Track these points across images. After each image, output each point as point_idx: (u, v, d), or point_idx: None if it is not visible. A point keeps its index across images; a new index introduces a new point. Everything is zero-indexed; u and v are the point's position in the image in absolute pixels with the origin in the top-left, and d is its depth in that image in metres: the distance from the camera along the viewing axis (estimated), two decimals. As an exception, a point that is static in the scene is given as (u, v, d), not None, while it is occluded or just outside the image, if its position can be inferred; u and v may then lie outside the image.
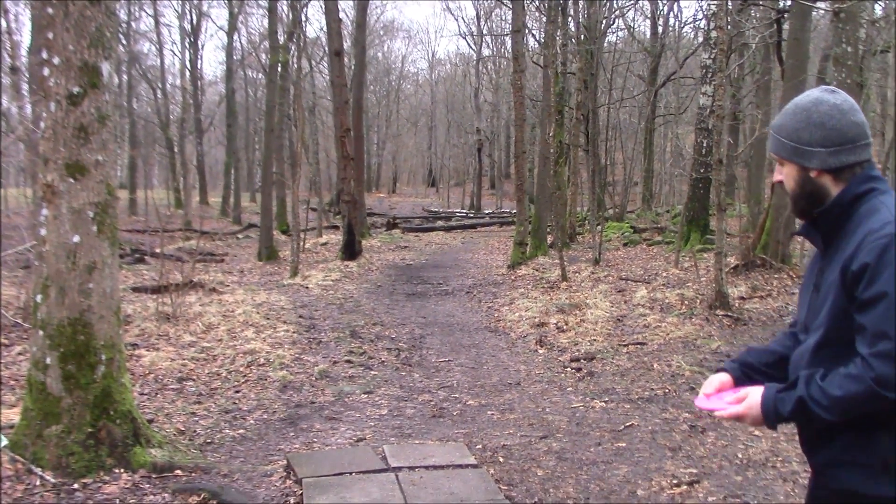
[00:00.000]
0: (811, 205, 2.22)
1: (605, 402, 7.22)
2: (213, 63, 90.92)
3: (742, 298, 12.46)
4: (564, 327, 10.96)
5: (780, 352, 2.42)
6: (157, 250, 21.10)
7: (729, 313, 11.25)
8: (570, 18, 23.15)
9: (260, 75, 37.55)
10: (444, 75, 55.58)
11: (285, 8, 26.08)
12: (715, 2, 18.07)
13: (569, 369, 8.64)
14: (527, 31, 27.54)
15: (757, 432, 6.03)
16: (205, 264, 19.43)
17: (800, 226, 2.31)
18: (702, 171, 18.93)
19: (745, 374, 2.41)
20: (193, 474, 5.26)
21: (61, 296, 5.19)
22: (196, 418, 6.80)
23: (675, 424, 6.39)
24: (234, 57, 34.74)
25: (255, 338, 10.00)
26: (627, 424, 6.41)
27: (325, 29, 21.45)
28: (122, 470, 5.18)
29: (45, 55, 5.27)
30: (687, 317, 11.37)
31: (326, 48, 22.88)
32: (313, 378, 8.21)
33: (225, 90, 34.28)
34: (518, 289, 14.68)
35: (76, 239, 5.19)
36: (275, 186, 24.83)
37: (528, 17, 28.67)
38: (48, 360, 5.19)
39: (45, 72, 5.24)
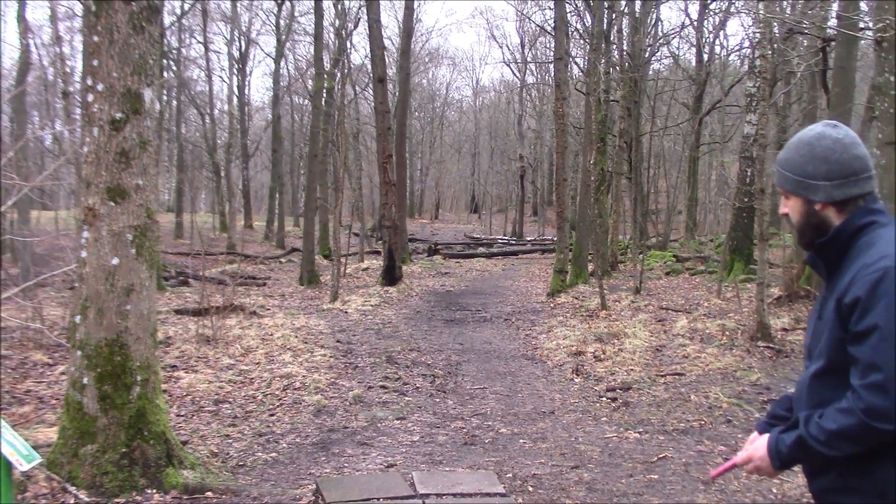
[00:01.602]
0: (816, 236, 2.27)
1: (640, 433, 7.14)
2: (260, 89, 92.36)
3: (785, 330, 12.28)
4: (602, 356, 10.87)
5: None
6: (201, 273, 21.45)
7: (771, 345, 11.09)
8: (613, 46, 23.15)
9: (305, 101, 38.02)
10: (488, 102, 55.83)
11: (332, 36, 26.48)
12: (760, 30, 18.02)
13: (604, 399, 8.56)
14: (570, 58, 27.58)
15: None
16: (246, 288, 19.65)
17: (808, 256, 2.35)
18: (745, 200, 18.72)
19: (771, 426, 2.40)
20: (224, 496, 5.29)
21: (99, 317, 5.29)
22: (230, 440, 6.85)
23: (709, 457, 6.30)
24: (281, 83, 35.26)
25: (293, 362, 10.07)
26: (661, 456, 6.34)
27: (369, 56, 21.63)
28: (154, 490, 5.23)
29: (89, 81, 5.41)
30: (727, 348, 11.23)
31: (371, 75, 22.99)
32: (347, 403, 8.24)
33: (271, 116, 34.75)
34: (557, 317, 14.62)
35: (115, 261, 5.29)
36: (318, 211, 25.09)
37: (571, 44, 28.76)
38: (85, 380, 5.28)
39: (90, 98, 5.38)
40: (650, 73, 30.02)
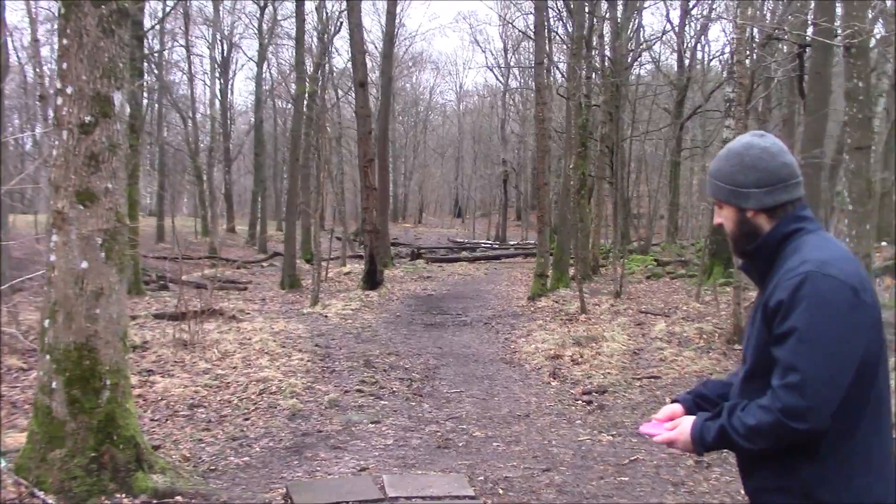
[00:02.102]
0: (748, 244, 2.34)
1: (613, 435, 7.18)
2: (243, 93, 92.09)
3: (762, 334, 12.36)
4: (580, 360, 10.91)
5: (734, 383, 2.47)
6: (182, 278, 21.36)
7: (746, 348, 11.16)
8: (595, 51, 23.23)
9: (289, 105, 37.91)
10: (472, 107, 55.91)
11: (314, 40, 26.46)
12: (737, 35, 18.12)
13: (580, 402, 8.60)
14: (553, 63, 27.69)
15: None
16: (227, 292, 19.57)
17: (741, 264, 2.42)
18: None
19: (696, 405, 2.51)
20: (194, 500, 5.29)
21: (68, 321, 5.27)
22: (203, 445, 6.83)
23: (681, 459, 6.33)
24: (264, 87, 35.22)
25: (269, 366, 10.05)
26: (632, 458, 6.37)
27: (351, 60, 21.62)
28: (123, 495, 5.21)
29: (59, 85, 5.40)
30: (704, 351, 11.30)
31: (352, 79, 22.99)
32: (323, 407, 8.23)
33: (254, 120, 34.72)
34: (537, 320, 14.64)
35: (84, 265, 5.27)
36: (300, 215, 25.06)
37: (555, 49, 28.87)
38: (54, 385, 5.26)
39: (59, 101, 5.37)
40: (632, 77, 30.16)
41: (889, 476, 2.18)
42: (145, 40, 30.24)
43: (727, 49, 26.53)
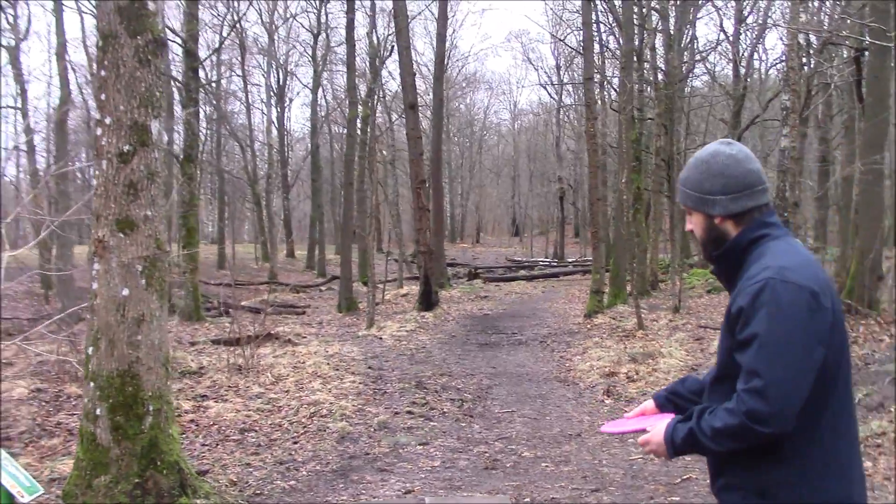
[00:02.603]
0: (717, 249, 2.40)
1: (666, 454, 6.98)
2: (300, 119, 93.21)
3: (825, 346, 12.00)
4: (635, 377, 10.70)
5: (706, 381, 2.52)
6: (241, 303, 21.64)
7: (810, 362, 10.84)
8: (646, 64, 23.00)
9: (344, 130, 38.36)
10: (527, 125, 55.83)
11: (367, 64, 26.74)
12: (788, 41, 17.73)
13: (633, 420, 8.40)
14: (607, 78, 27.50)
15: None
16: (284, 316, 19.73)
17: (712, 268, 2.47)
18: (784, 214, 18.38)
19: (670, 402, 2.59)
20: (236, 526, 5.28)
21: (111, 348, 5.33)
22: (251, 469, 6.84)
23: (735, 478, 6.13)
24: (319, 113, 35.65)
25: (322, 389, 10.07)
26: (685, 478, 6.20)
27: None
28: (167, 521, 5.24)
29: (98, 115, 5.50)
30: (765, 365, 11.01)
31: (402, 102, 23.14)
32: (372, 429, 8.19)
33: (310, 146, 35.17)
34: (593, 338, 14.45)
35: (125, 292, 5.33)
36: (357, 239, 25.23)
37: (607, 63, 28.67)
38: (98, 411, 5.32)
39: (99, 131, 5.46)
40: (687, 89, 29.75)
41: (854, 477, 2.26)
42: (201, 70, 31.00)
43: (784, 56, 26.07)
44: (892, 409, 7.58)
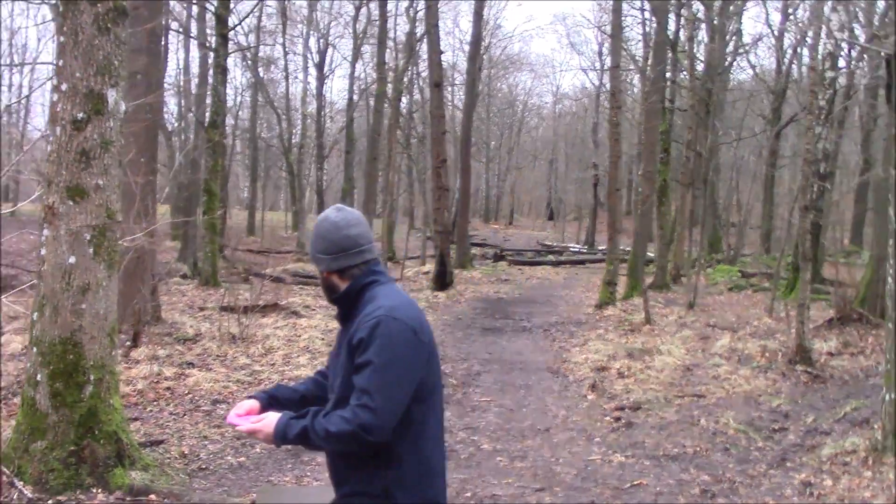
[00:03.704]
0: (332, 294, 2.82)
1: (627, 456, 6.86)
2: (341, 91, 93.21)
3: (830, 354, 11.72)
4: (626, 373, 10.54)
5: (301, 391, 3.00)
6: (264, 272, 21.74)
7: (809, 369, 10.59)
8: (683, 53, 22.54)
9: (386, 104, 38.27)
10: (567, 109, 55.17)
11: (402, 39, 26.55)
12: (831, 41, 17.24)
13: (608, 418, 8.28)
14: (640, 65, 27.00)
15: None
16: (303, 286, 19.76)
17: (336, 311, 2.85)
18: (812, 215, 17.96)
19: (270, 404, 2.88)
20: (167, 500, 5.28)
21: (55, 315, 5.34)
22: (206, 442, 6.85)
23: (687, 487, 6.00)
24: (357, 86, 35.60)
25: (307, 364, 10.07)
26: (635, 483, 6.07)
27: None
28: (99, 490, 5.25)
29: (55, 82, 5.47)
30: (763, 370, 10.77)
31: (428, 80, 22.96)
32: (342, 409, 8.15)
33: (346, 117, 35.11)
34: (598, 329, 14.26)
35: (72, 260, 5.33)
36: (382, 214, 25.18)
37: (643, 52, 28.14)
38: (39, 377, 5.34)
39: (55, 97, 5.44)
40: (727, 82, 29.14)
41: (443, 478, 2.77)
42: (241, 38, 31.03)
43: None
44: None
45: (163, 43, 27.03)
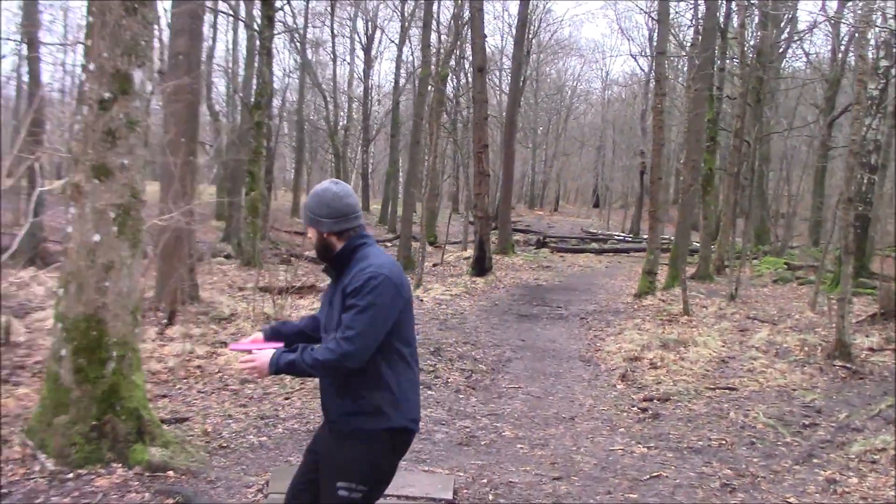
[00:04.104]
0: (327, 253, 3.35)
1: (649, 447, 6.79)
2: (388, 74, 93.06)
3: (871, 350, 11.49)
4: (659, 364, 10.43)
5: (301, 327, 3.58)
6: (305, 253, 21.91)
7: (848, 365, 10.38)
8: (733, 40, 22.10)
9: (430, 87, 38.17)
10: (616, 95, 54.51)
11: (450, 23, 26.38)
12: (886, 28, 16.77)
13: (636, 409, 8.20)
14: (688, 53, 26.53)
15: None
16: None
17: (323, 266, 3.40)
18: (860, 208, 17.55)
19: (274, 337, 3.51)
20: (183, 476, 5.34)
21: (79, 292, 5.42)
22: (230, 421, 6.92)
23: (707, 480, 5.91)
24: (404, 68, 35.59)
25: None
26: (654, 475, 6.00)
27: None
28: (119, 465, 5.33)
29: (83, 62, 5.54)
30: (800, 364, 10.59)
31: (471, 64, 22.80)
32: (368, 392, 8.18)
33: (392, 101, 35.13)
34: (634, 319, 14.12)
35: (96, 238, 5.40)
36: (428, 198, 25.17)
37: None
38: (63, 353, 5.42)
39: (84, 77, 5.51)
40: (785, 71, 28.56)
41: (417, 402, 3.36)
42: (289, 19, 31.14)
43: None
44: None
45: (212, 24, 27.23)
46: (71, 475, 5.15)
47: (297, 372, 3.24)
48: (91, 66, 5.42)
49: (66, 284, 5.47)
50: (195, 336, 9.94)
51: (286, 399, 7.81)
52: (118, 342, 5.51)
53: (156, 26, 18.96)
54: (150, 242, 10.45)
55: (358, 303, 3.09)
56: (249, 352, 3.30)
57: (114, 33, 5.39)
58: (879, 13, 16.49)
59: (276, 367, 3.20)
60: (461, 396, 8.45)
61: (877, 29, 16.43)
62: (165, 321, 10.31)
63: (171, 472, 5.36)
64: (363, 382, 3.18)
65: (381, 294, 3.12)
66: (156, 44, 18.95)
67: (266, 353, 3.23)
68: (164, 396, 7.67)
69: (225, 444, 6.27)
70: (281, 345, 3.37)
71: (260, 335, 3.53)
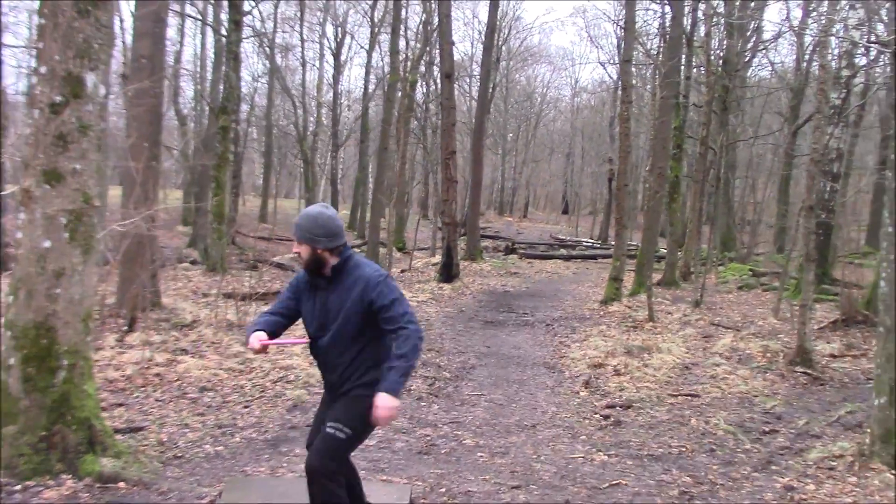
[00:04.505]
0: (319, 266, 4.02)
1: (610, 455, 6.77)
2: (357, 80, 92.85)
3: (832, 356, 11.59)
4: (623, 370, 10.44)
5: (282, 322, 4.21)
6: (272, 258, 21.74)
7: (809, 371, 10.46)
8: (700, 49, 22.26)
9: (398, 94, 38.13)
10: (586, 103, 54.77)
11: (420, 29, 26.36)
12: (847, 38, 16.96)
13: (598, 416, 8.18)
14: (657, 62, 26.71)
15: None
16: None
17: (310, 277, 4.11)
18: (822, 216, 17.72)
19: (269, 335, 4.12)
20: (134, 488, 5.24)
21: (29, 299, 5.30)
22: (186, 430, 6.82)
23: (666, 488, 5.90)
24: (374, 74, 35.53)
25: (300, 353, 10.01)
26: (613, 482, 5.98)
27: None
28: (68, 476, 5.21)
29: (35, 65, 5.43)
30: (762, 371, 10.64)
31: (438, 70, 22.76)
32: (328, 400, 8.11)
33: (362, 106, 35.01)
34: (600, 326, 14.14)
35: (47, 244, 5.29)
36: (396, 204, 25.10)
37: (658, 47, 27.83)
38: (11, 361, 5.30)
39: (34, 80, 5.40)
40: (746, 78, 28.75)
41: None
42: (258, 23, 30.95)
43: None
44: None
45: (180, 28, 26.93)
46: (18, 487, 5.03)
47: (406, 378, 3.90)
48: (42, 69, 5.31)
49: (15, 291, 5.36)
50: (155, 343, 9.81)
51: (245, 407, 7.72)
52: (69, 350, 5.39)
53: (119, 29, 18.82)
54: (111, 248, 10.32)
55: (391, 296, 3.90)
56: (283, 347, 4.03)
57: (66, 35, 5.29)
58: (842, 23, 16.68)
59: (398, 392, 3.84)
60: (423, 404, 8.40)
61: (838, 40, 16.62)
62: (125, 328, 10.16)
63: (122, 484, 5.26)
64: (367, 360, 3.99)
65: (395, 286, 3.99)
66: (119, 46, 18.84)
67: (384, 400, 3.79)
68: (121, 405, 7.54)
69: (180, 454, 6.17)
70: (306, 340, 4.17)
71: (263, 335, 4.07)
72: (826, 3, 25.62)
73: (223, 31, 21.47)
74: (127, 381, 8.35)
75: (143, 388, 8.17)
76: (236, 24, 19.07)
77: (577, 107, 55.25)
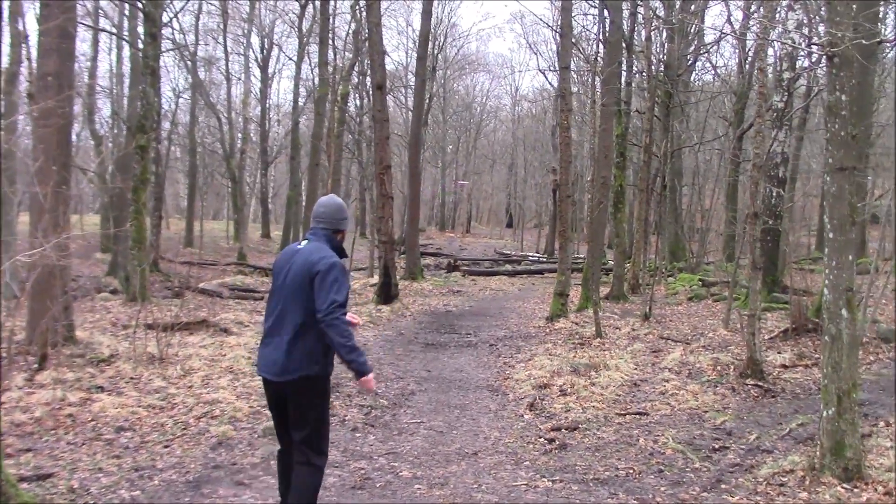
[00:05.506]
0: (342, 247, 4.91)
1: (554, 481, 6.35)
2: (286, 93, 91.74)
3: (784, 367, 11.32)
4: (569, 390, 10.02)
5: None
6: (200, 285, 20.93)
7: (760, 383, 10.16)
8: (640, 54, 22.13)
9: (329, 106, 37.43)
10: (527, 111, 54.60)
11: (349, 40, 25.83)
12: (788, 41, 16.89)
13: (542, 440, 7.75)
14: (596, 68, 26.60)
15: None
16: (239, 301, 19.08)
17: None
18: (769, 222, 17.57)
19: None
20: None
21: None
22: (100, 475, 6.22)
23: (607, 521, 5.47)
24: (304, 87, 34.83)
25: (227, 386, 9.43)
26: (557, 511, 5.53)
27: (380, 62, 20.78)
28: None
29: None
30: (712, 385, 10.31)
31: (370, 81, 22.24)
32: (255, 436, 7.56)
33: (292, 121, 34.26)
34: (546, 344, 13.73)
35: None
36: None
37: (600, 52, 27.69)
38: None
39: None
40: (689, 83, 28.78)
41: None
42: (178, 36, 30.01)
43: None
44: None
45: (93, 42, 25.95)
46: None
47: (356, 353, 4.58)
48: None
49: None
50: (68, 381, 9.12)
51: (165, 447, 7.11)
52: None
53: (23, 46, 17.95)
54: (20, 279, 9.63)
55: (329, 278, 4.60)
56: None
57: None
58: (780, 26, 16.60)
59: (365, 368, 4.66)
60: (358, 435, 7.87)
61: (778, 43, 16.54)
62: (35, 366, 9.44)
63: (16, 544, 4.67)
64: (316, 347, 4.66)
65: (343, 271, 4.67)
66: (25, 64, 17.95)
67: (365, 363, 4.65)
68: (28, 450, 6.89)
69: (93, 502, 5.59)
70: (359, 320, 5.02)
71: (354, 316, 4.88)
72: (763, 5, 25.80)
73: (139, 45, 20.73)
74: (36, 423, 7.68)
75: (53, 431, 7.52)
76: (153, 37, 18.38)
77: (519, 116, 55.15)
